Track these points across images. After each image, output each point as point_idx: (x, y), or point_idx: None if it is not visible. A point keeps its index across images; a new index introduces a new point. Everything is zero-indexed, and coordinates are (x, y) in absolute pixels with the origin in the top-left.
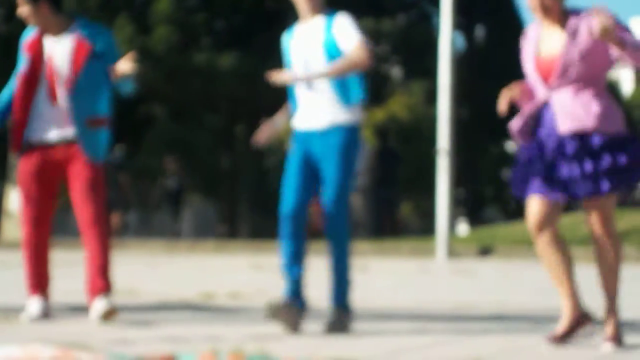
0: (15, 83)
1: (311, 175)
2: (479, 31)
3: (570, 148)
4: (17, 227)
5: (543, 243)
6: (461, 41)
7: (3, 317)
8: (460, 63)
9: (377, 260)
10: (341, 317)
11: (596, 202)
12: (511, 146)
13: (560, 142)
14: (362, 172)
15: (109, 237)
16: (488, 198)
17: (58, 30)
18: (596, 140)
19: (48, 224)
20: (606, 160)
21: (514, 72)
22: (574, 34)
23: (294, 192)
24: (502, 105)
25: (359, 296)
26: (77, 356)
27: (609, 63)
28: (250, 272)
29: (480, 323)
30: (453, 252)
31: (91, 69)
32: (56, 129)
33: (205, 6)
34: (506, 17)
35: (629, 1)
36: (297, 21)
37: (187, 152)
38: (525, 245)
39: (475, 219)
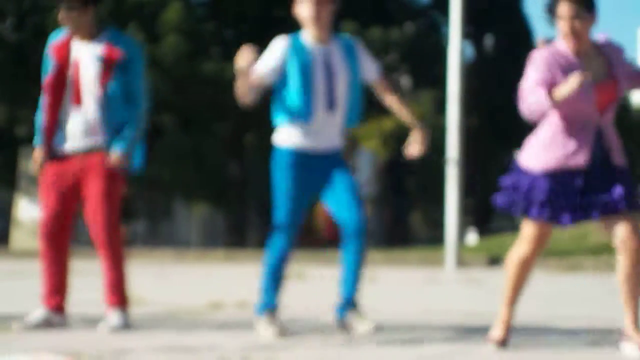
0: (45, 88)
1: (310, 194)
2: (488, 40)
3: (605, 178)
4: (26, 236)
5: (528, 264)
6: (470, 50)
7: (7, 327)
8: (469, 72)
9: (386, 269)
10: (357, 316)
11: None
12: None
13: (599, 172)
14: (371, 182)
15: (122, 250)
16: (497, 208)
17: (90, 36)
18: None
19: (65, 236)
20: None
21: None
22: (616, 66)
23: (294, 210)
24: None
25: (368, 306)
26: None
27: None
28: (258, 281)
29: (489, 333)
30: (462, 261)
31: (120, 78)
32: (79, 137)
33: (214, 15)
34: (515, 27)
35: (635, 12)
36: (301, 32)
37: (195, 162)
38: None
39: (484, 229)
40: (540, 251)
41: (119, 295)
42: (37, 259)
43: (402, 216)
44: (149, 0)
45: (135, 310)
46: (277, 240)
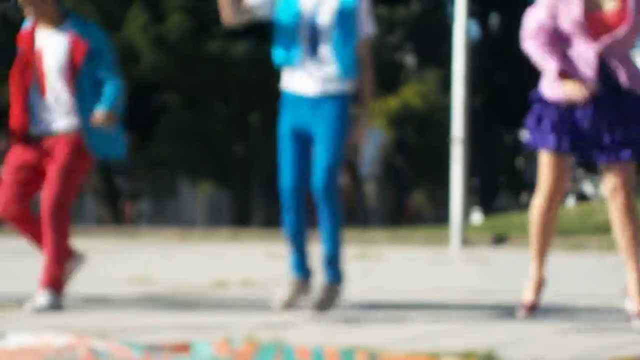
0: (11, 75)
1: (305, 143)
2: (493, 19)
3: (628, 107)
4: None
5: (548, 210)
6: (475, 29)
7: (17, 306)
8: (475, 51)
9: (391, 248)
10: (331, 292)
11: (619, 167)
12: (525, 135)
13: (615, 100)
14: (376, 161)
15: (66, 230)
16: (502, 187)
17: (52, 23)
18: (632, 102)
19: (26, 209)
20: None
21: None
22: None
23: (291, 166)
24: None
25: (373, 284)
26: (92, 343)
27: None
28: (264, 260)
29: (494, 311)
30: (467, 240)
31: (89, 67)
32: (43, 123)
33: None
34: (520, 5)
35: None
36: None
37: (200, 140)
38: None
39: (489, 208)
40: (558, 195)
41: (49, 275)
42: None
43: (404, 195)
44: None
45: (140, 288)
46: (281, 186)
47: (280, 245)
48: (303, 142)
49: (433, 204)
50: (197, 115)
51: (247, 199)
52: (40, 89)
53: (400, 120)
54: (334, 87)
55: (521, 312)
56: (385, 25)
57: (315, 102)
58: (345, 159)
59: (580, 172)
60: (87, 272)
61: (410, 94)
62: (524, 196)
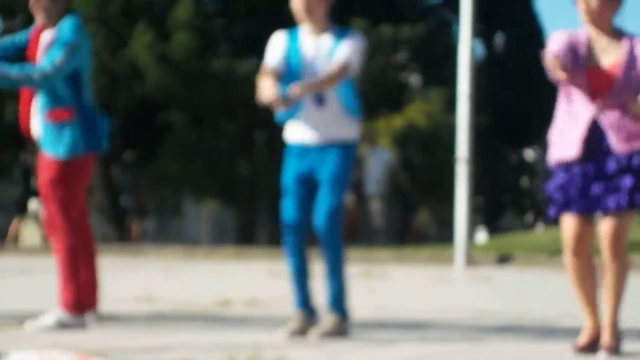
0: None
1: (309, 190)
2: (498, 39)
3: (612, 167)
4: (35, 234)
5: (576, 265)
6: (480, 49)
7: (20, 324)
8: (480, 71)
9: (396, 267)
10: (338, 324)
11: (618, 216)
12: (530, 154)
13: (602, 162)
14: (382, 180)
15: (72, 241)
16: (507, 206)
17: (48, 25)
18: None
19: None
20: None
21: (533, 80)
22: (632, 59)
23: (294, 207)
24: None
25: (378, 303)
26: None
27: None
28: (268, 279)
29: (498, 331)
30: (472, 260)
31: (48, 57)
32: (37, 130)
33: (224, 12)
34: (525, 25)
35: None
36: (300, 27)
37: (205, 158)
38: (544, 253)
39: (494, 227)
40: (583, 249)
41: (68, 293)
42: (45, 256)
43: (409, 214)
44: None
45: (144, 307)
46: (284, 237)
47: (284, 264)
48: (307, 186)
49: (438, 223)
50: (201, 133)
51: (252, 217)
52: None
53: (405, 139)
54: (338, 135)
55: (572, 350)
56: (390, 45)
57: (321, 150)
58: (350, 178)
59: None
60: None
61: (416, 114)
62: (528, 216)
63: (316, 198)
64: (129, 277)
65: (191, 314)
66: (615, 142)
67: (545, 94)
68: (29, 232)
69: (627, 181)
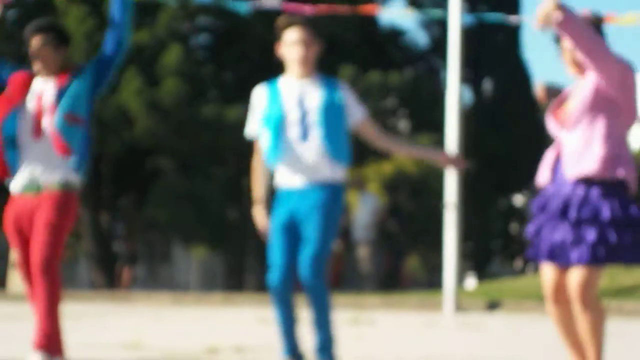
0: None
1: (295, 236)
2: (487, 84)
3: (573, 209)
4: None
5: (557, 313)
6: (469, 94)
7: None
8: (468, 116)
9: (384, 313)
10: None
11: (585, 268)
12: (519, 200)
13: (566, 199)
14: (370, 226)
15: (58, 289)
16: (496, 252)
17: (55, 73)
18: (595, 193)
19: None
20: (611, 235)
21: (521, 126)
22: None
23: (281, 260)
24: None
25: (366, 351)
26: None
27: (616, 109)
28: (256, 325)
29: None
30: (461, 306)
31: (73, 88)
32: (34, 171)
33: (213, 58)
34: (513, 71)
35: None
36: (279, 78)
37: (194, 204)
38: (534, 299)
39: (483, 273)
40: (563, 296)
41: (43, 335)
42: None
43: (398, 260)
44: (148, 43)
45: (132, 354)
46: (270, 283)
47: (272, 311)
48: (293, 236)
49: (426, 269)
50: (191, 179)
51: (241, 263)
52: (36, 132)
53: (394, 185)
54: (323, 177)
55: None
56: (379, 90)
57: (304, 193)
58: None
59: None
60: (79, 336)
61: (405, 159)
62: (518, 261)
63: (301, 244)
64: (117, 323)
65: None
66: (569, 169)
67: (534, 139)
68: (18, 279)
69: (590, 235)
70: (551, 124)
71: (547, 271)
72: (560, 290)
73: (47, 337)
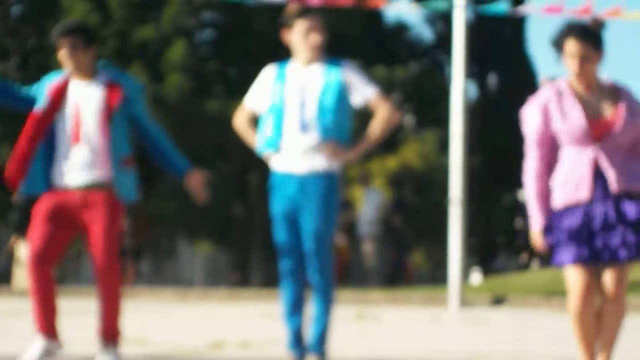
0: (29, 121)
1: (297, 222)
2: (491, 79)
3: (612, 214)
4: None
5: (586, 318)
6: (473, 89)
7: None
8: (473, 111)
9: (388, 308)
10: None
11: (623, 266)
12: (523, 195)
13: (607, 208)
14: (375, 221)
15: (120, 288)
16: (501, 247)
17: (89, 75)
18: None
19: (51, 267)
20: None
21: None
22: (630, 110)
23: (289, 248)
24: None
25: (371, 345)
26: None
27: None
28: (261, 320)
29: None
30: (466, 301)
31: (123, 113)
32: (77, 172)
33: (218, 54)
34: (518, 66)
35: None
36: (289, 61)
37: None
38: (539, 294)
39: (488, 268)
40: (592, 301)
41: (112, 333)
42: None
43: (402, 255)
44: (152, 39)
45: (137, 350)
46: (282, 267)
47: (279, 305)
48: (296, 222)
49: (431, 264)
50: None
51: (246, 258)
52: (75, 140)
53: (398, 180)
54: (321, 164)
55: None
56: (384, 85)
57: (303, 181)
58: (340, 222)
59: None
60: (84, 332)
61: (410, 154)
62: (522, 256)
63: (301, 229)
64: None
65: (183, 357)
66: (614, 181)
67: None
68: (23, 274)
69: (633, 236)
70: (587, 138)
71: (580, 274)
72: (590, 294)
73: (114, 332)
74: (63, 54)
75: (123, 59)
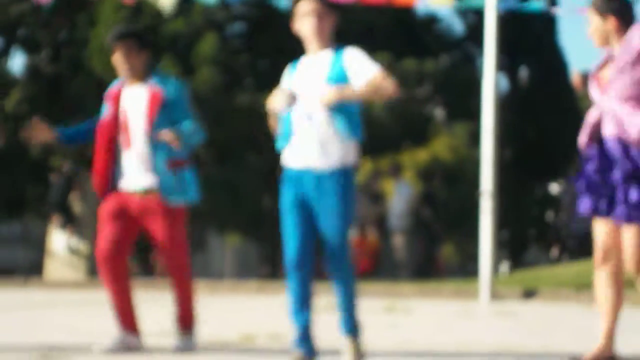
0: (97, 131)
1: (309, 217)
2: (523, 72)
3: (615, 162)
4: (60, 267)
5: (603, 274)
6: (505, 82)
7: (45, 357)
8: (504, 104)
9: (419, 301)
10: (355, 349)
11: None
12: (555, 188)
13: (611, 155)
14: (405, 214)
15: (190, 281)
16: (532, 240)
17: (141, 79)
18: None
19: (123, 263)
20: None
21: (558, 113)
22: (626, 46)
23: (295, 240)
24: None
25: (401, 338)
26: None
27: None
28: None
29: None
30: (496, 294)
31: (164, 115)
32: (132, 176)
33: (249, 47)
34: (549, 58)
35: None
36: (304, 54)
37: (230, 193)
38: (570, 287)
39: (519, 261)
40: (612, 258)
41: (186, 321)
42: (70, 290)
43: (432, 248)
44: (183, 32)
45: (168, 343)
46: (286, 260)
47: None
48: (306, 216)
49: (462, 257)
50: (226, 168)
51: (275, 251)
52: (127, 144)
53: (429, 173)
54: (333, 159)
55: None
56: (414, 78)
57: (315, 177)
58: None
59: None
60: (114, 324)
61: (440, 147)
62: (553, 250)
63: (319, 227)
64: (154, 311)
65: (214, 349)
66: (607, 127)
67: (570, 127)
68: (54, 266)
69: (635, 195)
70: (593, 89)
71: (600, 228)
72: (609, 251)
73: (189, 320)
74: (117, 59)
75: (154, 53)
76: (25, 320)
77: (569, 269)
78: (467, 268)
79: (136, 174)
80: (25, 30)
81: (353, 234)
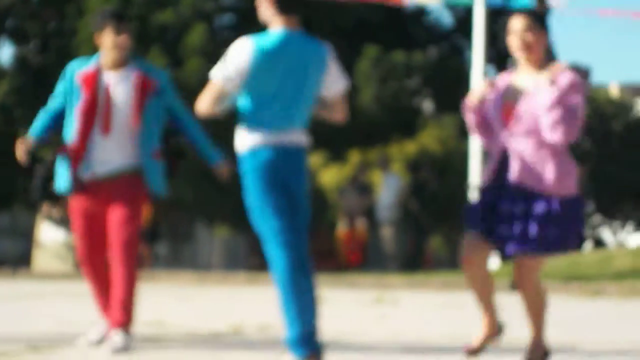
0: (75, 117)
1: (286, 192)
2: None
3: (517, 205)
4: (48, 258)
5: (469, 277)
6: (493, 74)
7: (33, 349)
8: None
9: (407, 293)
10: None
11: (527, 260)
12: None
13: (512, 195)
14: (393, 206)
15: (136, 272)
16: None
17: (120, 64)
18: (541, 207)
19: (102, 258)
20: (543, 228)
21: None
22: (552, 84)
23: (279, 209)
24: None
25: (390, 329)
26: None
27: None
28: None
29: (513, 357)
30: None
31: (153, 104)
32: (107, 163)
33: (237, 38)
34: None
35: None
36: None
37: (217, 184)
38: (558, 279)
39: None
40: (478, 261)
41: (125, 315)
42: (59, 281)
43: (421, 240)
44: (172, 23)
45: (156, 332)
46: (277, 239)
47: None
48: (284, 191)
49: (450, 249)
50: None
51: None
52: (105, 129)
53: (417, 165)
54: (299, 140)
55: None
56: (402, 70)
57: (288, 156)
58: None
59: (597, 218)
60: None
61: (429, 139)
62: None
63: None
64: (141, 302)
65: (202, 340)
66: (516, 174)
67: None
68: (43, 258)
69: (533, 229)
70: (496, 122)
71: (471, 237)
72: (475, 254)
73: (128, 319)
74: (116, 40)
75: (142, 44)
76: (14, 311)
77: (557, 261)
78: (455, 260)
79: (111, 158)
80: (14, 20)
81: (342, 226)
